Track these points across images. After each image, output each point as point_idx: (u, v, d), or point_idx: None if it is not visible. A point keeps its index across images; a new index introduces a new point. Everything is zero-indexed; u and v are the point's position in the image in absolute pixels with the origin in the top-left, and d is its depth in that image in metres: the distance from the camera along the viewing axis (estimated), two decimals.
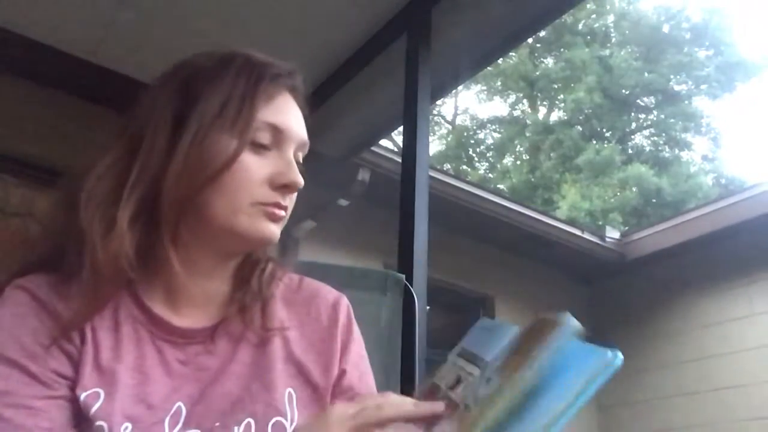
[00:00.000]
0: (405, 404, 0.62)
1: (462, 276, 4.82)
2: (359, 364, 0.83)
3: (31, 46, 2.63)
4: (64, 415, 0.67)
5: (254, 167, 0.73)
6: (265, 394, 0.73)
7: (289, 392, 0.75)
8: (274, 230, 0.75)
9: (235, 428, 0.70)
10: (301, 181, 0.75)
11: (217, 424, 0.70)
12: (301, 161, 0.79)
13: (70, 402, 0.68)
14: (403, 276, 1.43)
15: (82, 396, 0.67)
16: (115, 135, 0.77)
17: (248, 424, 0.70)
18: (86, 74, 2.78)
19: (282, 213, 0.75)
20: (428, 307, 1.77)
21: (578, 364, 0.54)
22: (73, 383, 0.68)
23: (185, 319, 0.75)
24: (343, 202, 3.85)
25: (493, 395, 0.55)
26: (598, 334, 5.61)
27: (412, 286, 1.47)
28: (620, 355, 0.53)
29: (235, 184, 0.72)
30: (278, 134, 0.75)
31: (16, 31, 2.57)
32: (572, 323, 0.56)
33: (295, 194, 0.77)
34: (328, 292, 0.86)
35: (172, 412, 0.70)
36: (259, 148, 0.74)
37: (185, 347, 0.74)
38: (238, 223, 0.72)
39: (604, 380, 0.53)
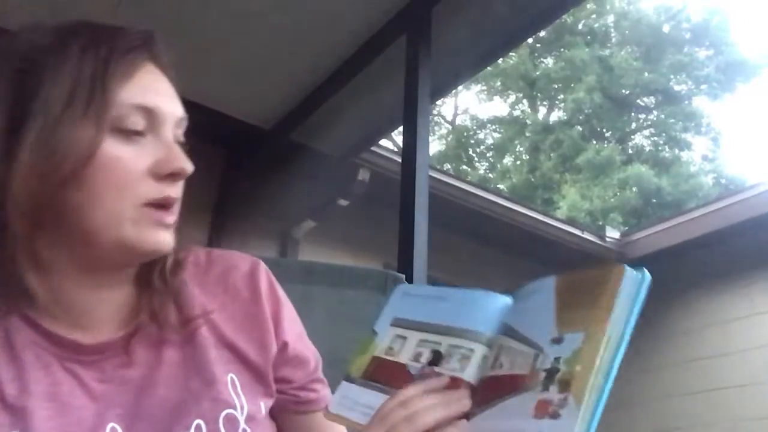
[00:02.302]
0: (436, 407, 0.57)
1: (462, 276, 4.82)
2: (294, 328, 0.78)
3: None
4: None
5: (129, 159, 0.62)
6: (207, 390, 0.67)
7: (231, 378, 0.70)
8: (166, 239, 0.65)
9: None
10: (189, 166, 0.65)
11: None
12: (182, 139, 0.68)
13: None
14: (403, 276, 1.43)
15: None
16: None
17: (198, 426, 0.65)
18: None
19: (171, 219, 0.65)
20: None
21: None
22: None
23: (92, 335, 0.66)
24: (343, 202, 3.85)
25: (585, 352, 0.53)
26: None
27: None
28: (646, 272, 0.55)
29: (110, 182, 0.61)
30: (150, 116, 0.64)
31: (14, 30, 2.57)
32: (634, 273, 0.55)
33: (183, 182, 0.67)
34: (241, 261, 0.77)
35: None
36: (131, 135, 0.62)
37: (100, 364, 0.66)
38: (123, 233, 0.62)
39: (642, 301, 0.55)
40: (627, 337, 0.55)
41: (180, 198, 0.66)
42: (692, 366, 4.91)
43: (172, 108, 0.66)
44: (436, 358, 0.62)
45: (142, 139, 0.63)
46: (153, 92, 0.65)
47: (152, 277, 0.69)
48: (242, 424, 0.68)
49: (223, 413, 0.67)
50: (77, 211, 0.61)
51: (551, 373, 0.54)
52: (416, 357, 0.64)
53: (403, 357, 0.65)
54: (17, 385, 0.61)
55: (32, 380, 0.62)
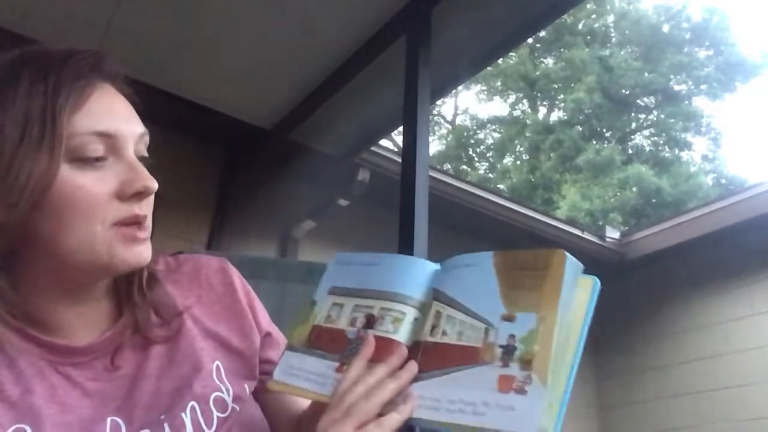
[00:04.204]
0: (387, 380, 0.63)
1: None
2: (266, 315, 0.85)
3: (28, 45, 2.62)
4: None
5: (92, 185, 0.64)
6: (197, 374, 0.72)
7: (217, 365, 0.74)
8: (141, 253, 0.67)
9: (182, 414, 0.69)
10: (153, 184, 0.66)
11: (163, 416, 0.68)
12: (146, 154, 0.70)
13: None
14: None
15: None
16: None
17: (193, 408, 0.70)
18: None
19: (143, 235, 0.67)
20: None
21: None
22: None
23: (79, 338, 0.69)
24: (343, 202, 3.84)
25: (541, 333, 0.57)
26: (597, 333, 5.61)
27: None
28: (597, 280, 0.60)
29: (77, 210, 0.63)
30: (109, 140, 0.65)
31: (15, 31, 2.57)
32: (573, 259, 0.59)
33: (152, 197, 0.68)
34: (209, 260, 0.83)
35: (107, 429, 0.66)
36: (92, 162, 0.64)
37: (91, 364, 0.69)
38: (96, 255, 0.64)
39: (593, 306, 0.59)
40: (586, 324, 0.58)
41: (150, 214, 0.68)
42: (692, 366, 4.91)
43: (130, 128, 0.68)
44: (370, 322, 0.67)
45: (104, 163, 0.65)
46: (109, 116, 0.66)
47: (131, 292, 0.73)
48: (230, 404, 0.73)
49: (213, 395, 0.72)
50: (49, 239, 0.64)
51: (509, 350, 0.58)
52: (352, 322, 0.69)
53: (341, 323, 0.70)
54: (19, 387, 0.64)
55: (32, 382, 0.65)
